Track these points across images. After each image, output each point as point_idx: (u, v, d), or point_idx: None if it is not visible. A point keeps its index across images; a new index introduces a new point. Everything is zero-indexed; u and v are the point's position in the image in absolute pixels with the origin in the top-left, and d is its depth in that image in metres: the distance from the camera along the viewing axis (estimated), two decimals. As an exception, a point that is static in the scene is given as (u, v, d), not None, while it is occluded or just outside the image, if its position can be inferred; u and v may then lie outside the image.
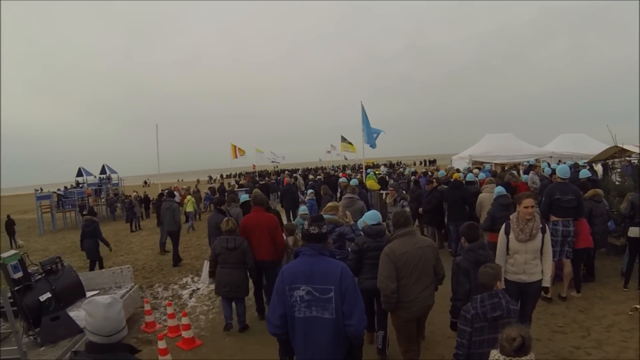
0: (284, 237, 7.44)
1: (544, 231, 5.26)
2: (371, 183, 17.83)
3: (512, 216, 5.39)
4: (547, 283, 5.32)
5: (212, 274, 7.19)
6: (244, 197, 11.40)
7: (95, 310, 2.43)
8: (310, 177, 25.41)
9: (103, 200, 29.60)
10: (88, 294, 7.42)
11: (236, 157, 34.30)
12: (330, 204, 7.51)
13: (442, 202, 11.08)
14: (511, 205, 7.95)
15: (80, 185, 30.51)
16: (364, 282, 5.50)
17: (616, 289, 7.83)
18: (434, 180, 11.88)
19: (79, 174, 31.42)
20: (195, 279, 10.65)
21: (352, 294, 3.41)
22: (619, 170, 14.10)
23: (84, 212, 24.51)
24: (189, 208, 19.81)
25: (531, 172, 14.56)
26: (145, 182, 69.17)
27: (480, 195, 9.94)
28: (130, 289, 8.08)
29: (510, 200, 8.18)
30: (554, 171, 12.74)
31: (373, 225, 5.71)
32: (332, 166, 59.86)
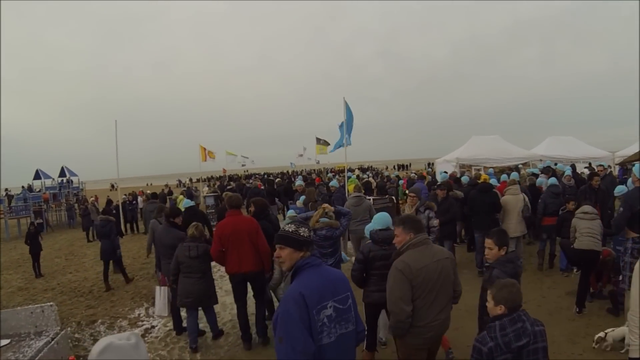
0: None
1: None
2: (354, 188, 15.81)
3: None
4: None
5: (173, 281, 6.30)
6: (186, 202, 10.38)
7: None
8: (278, 180, 23.25)
9: (63, 205, 26.76)
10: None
11: (205, 159, 32.04)
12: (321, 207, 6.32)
13: (459, 210, 9.55)
14: (561, 195, 9.20)
15: (39, 190, 27.77)
16: (371, 295, 5.03)
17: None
18: (444, 184, 9.63)
19: (37, 176, 28.23)
20: (151, 310, 8.20)
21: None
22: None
23: (38, 220, 21.91)
24: (181, 206, 17.28)
25: (542, 175, 12.69)
26: (113, 186, 65.68)
27: (504, 198, 8.99)
28: (54, 338, 5.64)
29: (560, 190, 9.29)
30: (574, 175, 11.24)
31: (380, 230, 5.06)
32: (304, 170, 57.43)
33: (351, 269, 5.13)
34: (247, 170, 61.94)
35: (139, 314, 8.15)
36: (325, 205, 6.36)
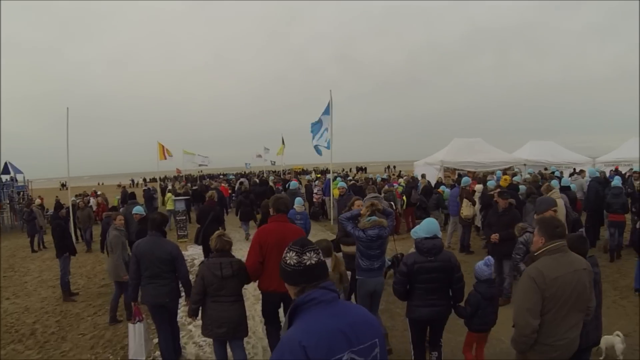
0: None
1: None
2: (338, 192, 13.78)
3: None
4: None
5: (195, 310, 4.88)
6: (137, 208, 8.77)
7: None
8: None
9: (6, 206, 23.08)
10: None
11: (164, 158, 29.23)
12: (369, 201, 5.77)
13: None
14: (622, 194, 9.70)
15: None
16: (416, 310, 4.51)
17: None
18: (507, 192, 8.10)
19: (-25, 173, 24.32)
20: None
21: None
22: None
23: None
24: (170, 206, 16.19)
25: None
26: (63, 185, 60.78)
27: None
28: None
29: (621, 191, 9.72)
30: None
31: (427, 239, 4.42)
32: (261, 171, 54.66)
33: (393, 282, 4.70)
34: (202, 171, 58.82)
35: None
36: (375, 202, 5.65)
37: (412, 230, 4.93)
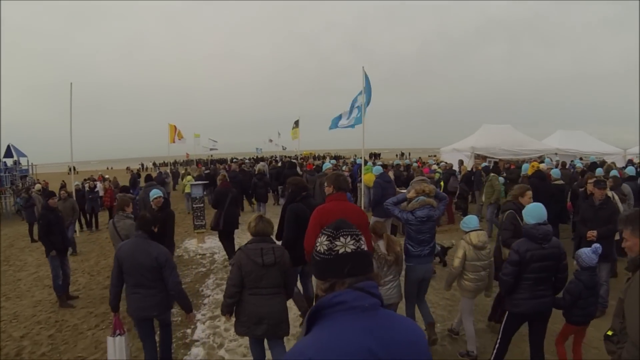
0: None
1: None
2: (369, 177, 12.21)
3: None
4: None
5: (230, 306, 4.14)
6: (155, 191, 7.32)
7: None
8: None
9: (9, 190, 21.43)
10: None
11: (174, 141, 27.63)
12: (417, 184, 5.29)
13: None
14: None
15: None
16: (522, 304, 4.06)
17: None
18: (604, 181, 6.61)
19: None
20: None
21: None
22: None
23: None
24: (188, 189, 15.62)
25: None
26: (72, 169, 59.30)
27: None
28: None
29: None
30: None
31: (540, 224, 4.01)
32: (274, 156, 53.47)
33: (501, 273, 4.15)
34: (212, 156, 57.59)
35: None
36: (424, 184, 5.26)
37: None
